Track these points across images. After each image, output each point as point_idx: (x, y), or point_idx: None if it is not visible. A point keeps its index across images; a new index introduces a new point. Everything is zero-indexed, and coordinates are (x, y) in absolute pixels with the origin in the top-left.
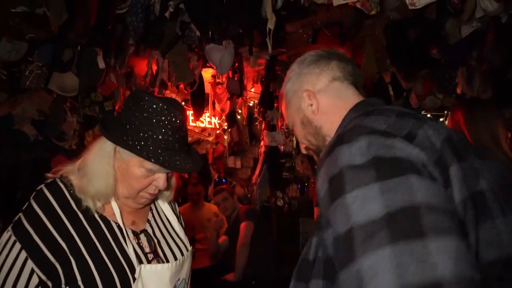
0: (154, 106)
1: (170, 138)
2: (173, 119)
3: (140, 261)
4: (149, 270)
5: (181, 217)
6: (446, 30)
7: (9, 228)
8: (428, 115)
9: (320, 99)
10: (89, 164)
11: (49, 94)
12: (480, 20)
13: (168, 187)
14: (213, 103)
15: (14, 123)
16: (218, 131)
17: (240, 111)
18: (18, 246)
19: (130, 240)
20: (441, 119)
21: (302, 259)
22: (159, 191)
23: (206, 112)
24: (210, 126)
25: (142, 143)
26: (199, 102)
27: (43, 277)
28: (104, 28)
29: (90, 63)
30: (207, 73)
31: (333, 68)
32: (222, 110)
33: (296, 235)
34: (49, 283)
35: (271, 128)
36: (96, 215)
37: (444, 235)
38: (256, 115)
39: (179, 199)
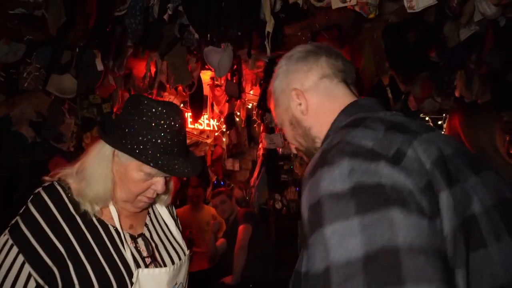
0: (153, 110)
1: (169, 142)
2: (172, 123)
3: (138, 265)
4: (147, 274)
5: (179, 220)
6: (444, 33)
7: (6, 231)
8: (427, 118)
9: (309, 98)
10: (87, 167)
11: (47, 96)
12: (478, 23)
13: (166, 191)
14: (212, 105)
15: (12, 125)
16: (216, 133)
17: (238, 113)
18: (15, 250)
19: (128, 244)
20: (439, 122)
21: (295, 271)
22: (157, 195)
23: (204, 114)
24: (208, 128)
25: (141, 147)
26: (198, 104)
27: (41, 281)
28: (102, 30)
29: (88, 65)
30: (206, 75)
31: (322, 65)
32: (221, 112)
33: (295, 237)
34: (46, 287)
35: (270, 130)
36: (94, 219)
37: (425, 283)
38: (254, 117)
39: (177, 201)
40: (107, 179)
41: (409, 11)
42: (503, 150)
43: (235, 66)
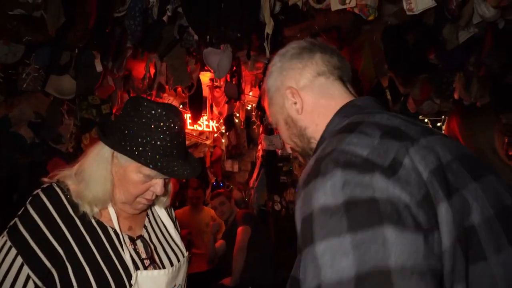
0: (153, 112)
1: (169, 144)
2: (172, 125)
3: (137, 267)
4: (146, 276)
5: (178, 221)
6: (443, 35)
7: (5, 233)
8: (426, 120)
9: (304, 97)
10: (86, 169)
11: (46, 97)
12: (477, 25)
13: (165, 193)
14: (211, 107)
15: (11, 125)
16: (215, 135)
17: (238, 115)
18: (13, 251)
19: (127, 246)
20: (438, 124)
21: (291, 276)
22: (156, 196)
23: (204, 115)
24: (208, 129)
25: (140, 148)
26: (197, 106)
27: (39, 283)
28: (102, 31)
29: (87, 66)
30: (205, 77)
31: (317, 62)
32: (220, 113)
33: (294, 239)
34: None
35: (269, 131)
36: (93, 221)
37: None
38: (254, 118)
39: (176, 203)
40: (106, 180)
41: (408, 13)
42: (502, 152)
43: (234, 68)
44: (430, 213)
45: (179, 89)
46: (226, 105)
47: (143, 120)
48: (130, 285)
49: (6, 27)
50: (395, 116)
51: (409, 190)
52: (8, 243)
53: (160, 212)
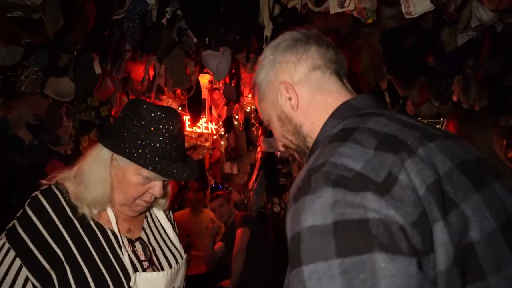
0: (152, 114)
1: (168, 146)
2: (171, 128)
3: (135, 269)
4: (144, 278)
5: (178, 224)
6: (442, 38)
7: (3, 235)
8: (425, 122)
9: (299, 92)
10: (85, 171)
11: (45, 99)
12: (475, 29)
13: (164, 195)
14: (210, 109)
15: (10, 128)
16: (214, 137)
17: (237, 117)
18: (12, 253)
19: (126, 248)
20: (437, 127)
21: None
22: (155, 199)
23: (203, 117)
24: (207, 131)
25: (140, 150)
26: (196, 108)
27: (38, 285)
28: (101, 33)
29: (86, 68)
30: (204, 79)
31: (312, 55)
32: (219, 115)
33: None
34: None
35: (268, 134)
36: (92, 223)
37: None
38: (253, 120)
39: (175, 205)
40: (105, 182)
41: (406, 16)
42: (501, 155)
43: (233, 70)
44: (425, 234)
45: (178, 91)
46: (225, 107)
47: (143, 122)
48: (129, 287)
49: (5, 29)
50: (393, 118)
51: (404, 210)
52: (7, 245)
53: (159, 214)
